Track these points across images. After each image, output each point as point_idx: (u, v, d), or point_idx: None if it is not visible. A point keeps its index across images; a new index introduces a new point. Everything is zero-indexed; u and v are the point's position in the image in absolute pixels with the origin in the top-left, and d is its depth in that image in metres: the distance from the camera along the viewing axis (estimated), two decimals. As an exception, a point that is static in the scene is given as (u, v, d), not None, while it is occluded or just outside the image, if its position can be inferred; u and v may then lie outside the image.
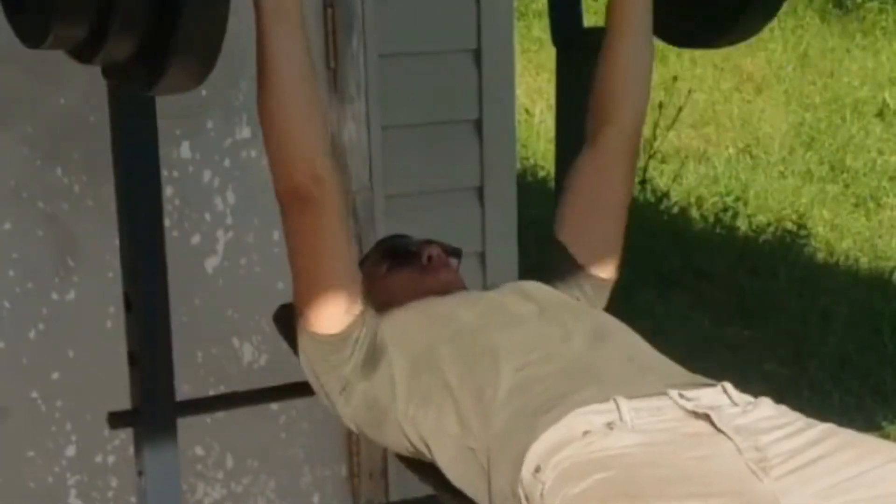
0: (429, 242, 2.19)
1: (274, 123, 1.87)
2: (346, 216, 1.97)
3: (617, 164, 2.17)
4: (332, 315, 1.94)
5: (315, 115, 1.89)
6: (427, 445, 1.90)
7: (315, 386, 2.01)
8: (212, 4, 1.60)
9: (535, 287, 2.11)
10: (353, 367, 1.95)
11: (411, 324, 1.99)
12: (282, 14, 1.83)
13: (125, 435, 2.83)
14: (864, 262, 6.04)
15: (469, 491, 1.84)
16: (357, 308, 1.95)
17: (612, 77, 2.15)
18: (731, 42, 2.20)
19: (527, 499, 1.69)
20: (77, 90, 2.88)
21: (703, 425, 1.70)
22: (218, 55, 1.63)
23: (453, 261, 2.21)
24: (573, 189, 2.18)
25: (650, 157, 6.71)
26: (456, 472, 1.86)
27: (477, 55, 3.27)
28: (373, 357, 1.95)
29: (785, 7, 2.20)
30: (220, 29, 1.61)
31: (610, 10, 2.16)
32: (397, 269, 2.15)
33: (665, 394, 1.76)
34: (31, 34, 1.66)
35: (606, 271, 2.17)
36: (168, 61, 1.61)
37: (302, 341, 1.98)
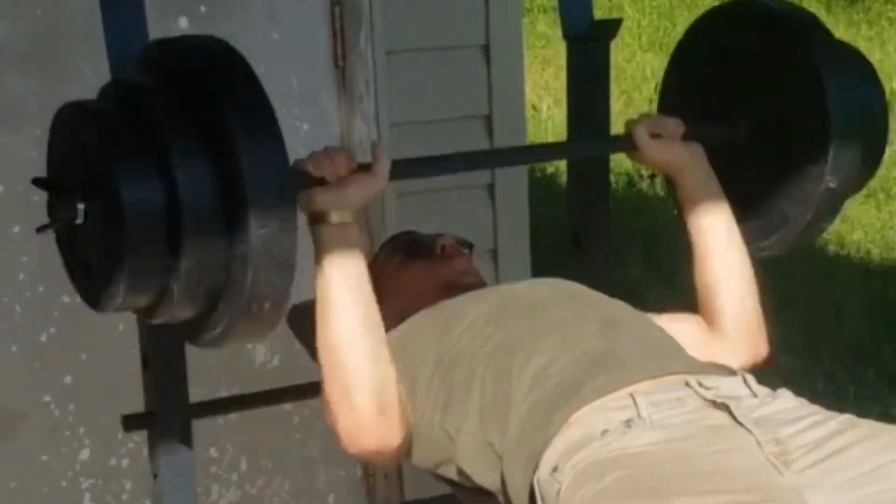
0: (441, 235, 2.18)
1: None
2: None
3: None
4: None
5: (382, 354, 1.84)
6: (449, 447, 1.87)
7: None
8: (277, 277, 1.64)
9: (553, 280, 2.10)
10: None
11: (424, 337, 1.94)
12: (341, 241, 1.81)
13: (139, 438, 2.82)
14: (875, 253, 6.02)
15: (488, 485, 1.82)
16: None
17: (707, 294, 2.12)
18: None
19: (542, 498, 1.67)
20: (85, 93, 2.87)
21: (722, 416, 1.69)
22: (279, 321, 1.68)
23: (465, 252, 2.20)
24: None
25: (659, 151, 6.70)
26: (476, 470, 1.84)
27: (486, 51, 3.26)
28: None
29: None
30: (283, 300, 1.65)
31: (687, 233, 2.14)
32: (411, 261, 2.14)
33: (684, 382, 1.75)
34: (98, 301, 1.73)
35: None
36: (230, 327, 1.68)
37: None
